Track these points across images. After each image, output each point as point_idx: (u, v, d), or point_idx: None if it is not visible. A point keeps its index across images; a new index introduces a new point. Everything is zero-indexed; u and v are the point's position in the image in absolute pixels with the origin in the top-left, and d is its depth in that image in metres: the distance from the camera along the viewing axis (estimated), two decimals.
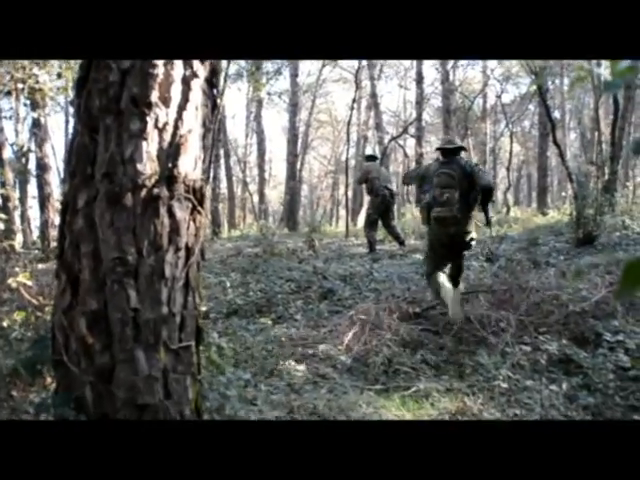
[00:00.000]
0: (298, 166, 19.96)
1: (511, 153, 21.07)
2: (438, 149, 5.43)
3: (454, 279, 5.22)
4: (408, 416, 3.12)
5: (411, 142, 29.52)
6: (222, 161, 19.76)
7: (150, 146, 1.58)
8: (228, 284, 7.61)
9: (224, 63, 11.05)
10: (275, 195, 36.19)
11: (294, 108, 17.02)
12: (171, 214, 1.54)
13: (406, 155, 27.47)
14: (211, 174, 16.54)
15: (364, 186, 10.65)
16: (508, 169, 21.47)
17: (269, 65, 16.72)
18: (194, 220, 1.62)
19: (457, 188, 4.84)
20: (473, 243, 5.25)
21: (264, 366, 4.14)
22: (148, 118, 1.60)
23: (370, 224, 9.92)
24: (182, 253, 1.58)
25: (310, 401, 3.29)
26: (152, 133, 1.60)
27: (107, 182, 1.52)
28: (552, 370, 3.72)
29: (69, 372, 1.60)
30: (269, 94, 17.12)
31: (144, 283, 1.48)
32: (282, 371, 4.03)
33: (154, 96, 1.61)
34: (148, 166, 1.54)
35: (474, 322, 4.64)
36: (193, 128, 1.67)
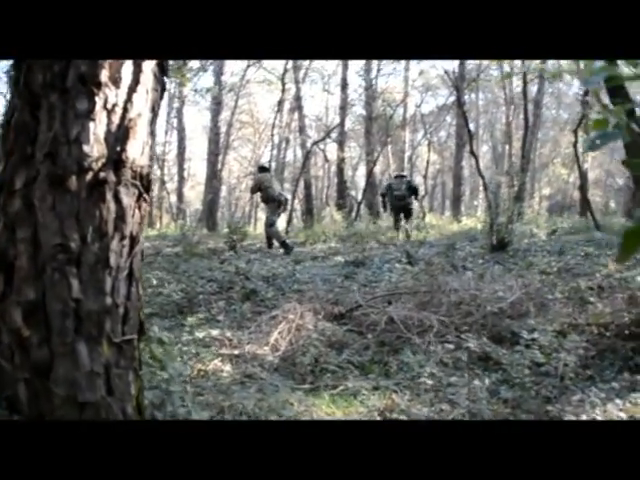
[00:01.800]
0: (219, 166, 19.66)
1: (428, 162, 21.84)
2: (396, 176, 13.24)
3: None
4: (339, 414, 3.14)
5: (332, 147, 29.92)
6: None
7: (98, 128, 1.49)
8: (146, 283, 7.38)
9: None
10: (193, 195, 35.49)
11: (217, 107, 16.76)
12: (117, 200, 1.45)
13: (326, 159, 27.77)
14: None
15: (258, 195, 11.42)
16: (425, 177, 22.21)
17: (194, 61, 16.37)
18: (139, 207, 1.54)
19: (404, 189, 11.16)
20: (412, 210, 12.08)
21: (187, 367, 4.03)
22: (97, 98, 1.51)
23: (270, 225, 10.68)
24: (127, 241, 1.48)
25: (239, 401, 3.24)
26: (100, 114, 1.51)
27: (49, 163, 1.41)
28: (473, 367, 3.87)
29: (0, 368, 1.46)
30: (195, 91, 16.76)
31: (87, 272, 1.37)
32: (208, 372, 3.95)
33: (104, 75, 1.53)
34: (95, 148, 1.44)
35: (398, 323, 4.75)
36: (142, 112, 1.59)
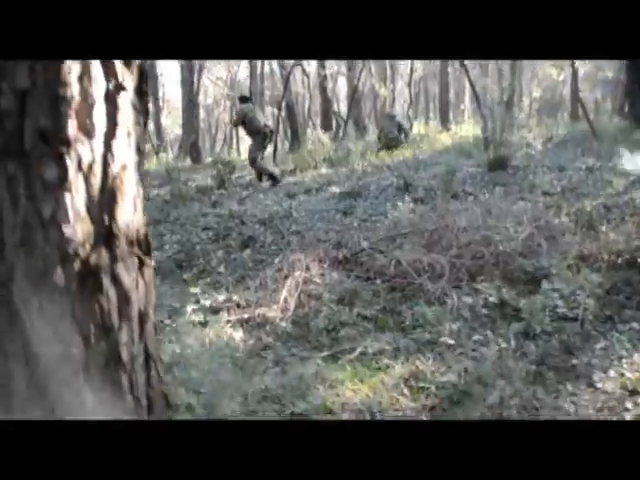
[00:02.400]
0: (194, 90, 18.82)
1: (412, 69, 21.01)
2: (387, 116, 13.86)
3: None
4: (365, 389, 3.04)
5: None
6: None
7: (75, 199, 1.16)
8: None
9: None
10: (170, 121, 34.33)
11: None
12: (117, 282, 1.17)
13: (305, 73, 26.72)
14: None
15: (241, 128, 11.03)
16: (409, 85, 21.45)
17: None
18: (143, 276, 1.26)
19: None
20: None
21: (199, 337, 3.92)
22: (67, 159, 1.16)
23: (253, 161, 10.27)
24: (135, 323, 1.21)
25: (260, 382, 3.13)
26: (76, 180, 1.17)
27: (23, 254, 1.12)
28: (492, 318, 3.77)
29: None
30: None
31: (98, 379, 1.13)
32: (221, 343, 3.83)
33: (71, 127, 1.17)
34: (78, 227, 1.14)
35: (406, 267, 4.61)
36: (127, 161, 1.26)
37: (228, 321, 4.22)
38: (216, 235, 6.80)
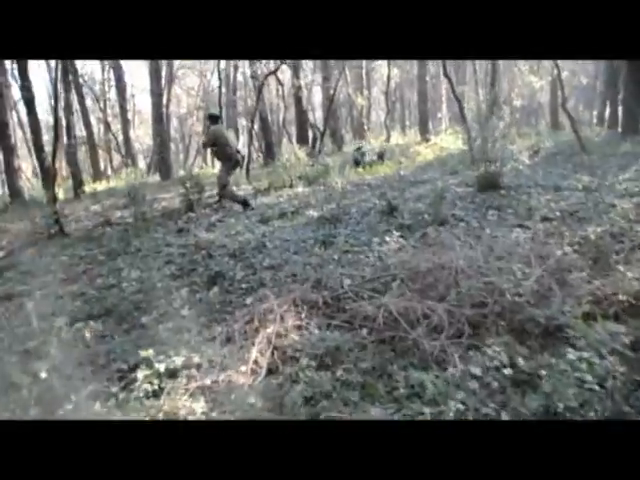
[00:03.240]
0: (164, 101, 18.04)
1: (389, 78, 20.49)
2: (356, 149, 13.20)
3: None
4: None
5: (284, 68, 28.02)
6: (75, 102, 17.41)
7: None
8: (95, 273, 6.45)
9: None
10: (143, 131, 33.40)
11: None
12: None
13: (280, 83, 26.06)
14: (62, 121, 14.42)
15: (210, 150, 10.25)
16: (386, 93, 20.96)
17: None
18: None
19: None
20: None
21: (150, 412, 3.22)
22: None
23: (223, 186, 9.39)
24: None
25: None
26: None
27: None
28: (503, 389, 3.13)
29: None
30: None
31: None
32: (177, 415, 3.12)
33: None
34: None
35: (397, 316, 3.96)
36: None
37: (186, 389, 3.53)
38: (180, 270, 6.10)
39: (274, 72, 13.47)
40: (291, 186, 10.38)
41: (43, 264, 7.23)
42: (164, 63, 20.72)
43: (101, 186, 15.91)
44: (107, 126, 24.63)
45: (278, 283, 5.30)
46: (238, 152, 9.52)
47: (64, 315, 5.35)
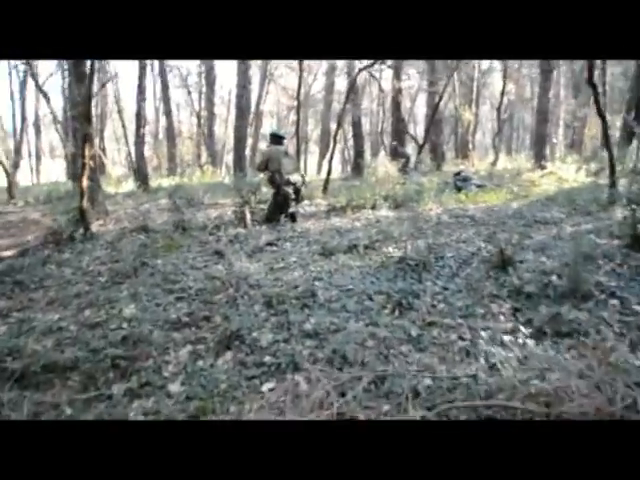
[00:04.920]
0: (254, 100, 16.56)
1: (503, 92, 17.94)
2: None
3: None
4: None
5: (388, 74, 26.04)
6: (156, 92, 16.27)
7: None
8: (84, 301, 4.77)
9: None
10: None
11: None
12: None
13: (381, 90, 24.09)
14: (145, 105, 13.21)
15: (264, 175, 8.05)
16: (498, 110, 18.42)
17: None
18: None
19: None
20: None
21: None
22: None
23: (269, 221, 7.63)
24: None
25: None
26: None
27: None
28: None
29: None
30: None
31: None
32: None
33: None
34: None
35: None
36: None
37: None
38: (190, 315, 4.28)
39: (367, 67, 11.53)
40: (373, 207, 8.37)
41: (41, 275, 5.68)
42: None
43: (172, 182, 14.58)
44: (198, 119, 23.66)
45: (319, 363, 3.39)
46: (292, 184, 7.65)
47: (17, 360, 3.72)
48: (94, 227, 7.98)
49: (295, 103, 28.97)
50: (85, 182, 6.79)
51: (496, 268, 4.75)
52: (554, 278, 4.34)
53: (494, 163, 16.61)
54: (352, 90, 11.69)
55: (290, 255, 5.75)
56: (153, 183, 14.83)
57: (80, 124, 6.93)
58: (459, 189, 9.82)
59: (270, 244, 6.27)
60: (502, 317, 3.91)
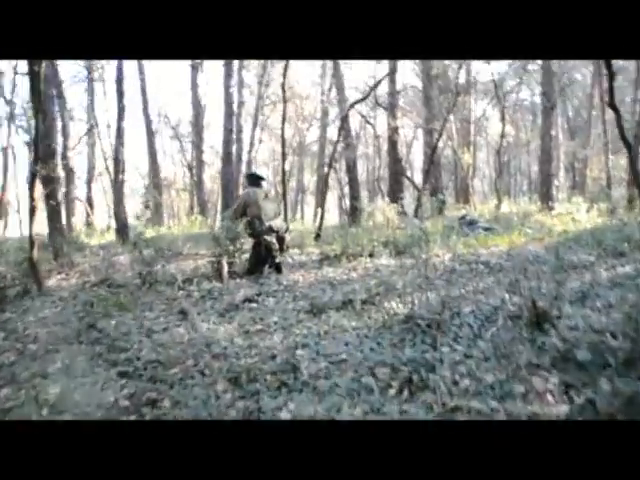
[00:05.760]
0: (234, 147, 15.74)
1: (503, 134, 17.22)
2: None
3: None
4: None
5: (382, 120, 25.50)
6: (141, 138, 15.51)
7: None
8: None
9: None
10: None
11: (227, 67, 12.81)
12: None
13: (376, 136, 23.50)
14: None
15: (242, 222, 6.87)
16: (499, 152, 17.67)
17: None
18: None
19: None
20: None
21: None
22: None
23: (250, 273, 6.56)
24: None
25: None
26: None
27: None
28: None
29: None
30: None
31: None
32: None
33: None
34: None
35: None
36: None
37: None
38: (131, 398, 3.22)
39: (357, 102, 10.74)
40: (372, 255, 7.37)
41: None
42: (251, 107, 18.68)
43: (155, 232, 13.59)
44: (190, 169, 22.93)
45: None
46: (274, 231, 6.64)
47: None
48: (52, 281, 6.97)
49: (288, 150, 28.45)
50: (33, 230, 5.80)
51: (529, 326, 3.72)
52: (609, 338, 3.31)
53: (498, 206, 15.74)
54: (343, 127, 10.85)
55: (271, 314, 4.71)
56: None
57: (34, 161, 5.97)
58: (465, 233, 8.87)
59: (249, 300, 5.23)
60: (550, 397, 2.86)
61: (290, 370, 3.33)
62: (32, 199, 5.81)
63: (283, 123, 10.08)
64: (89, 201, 19.94)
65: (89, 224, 18.49)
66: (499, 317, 4.06)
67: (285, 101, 10.22)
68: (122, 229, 11.39)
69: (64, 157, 16.01)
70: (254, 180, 6.97)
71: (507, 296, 4.54)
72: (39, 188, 7.87)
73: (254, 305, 5.09)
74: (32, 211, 5.83)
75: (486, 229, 9.12)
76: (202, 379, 3.32)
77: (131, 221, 14.09)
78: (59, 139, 13.98)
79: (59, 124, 14.59)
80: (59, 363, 3.86)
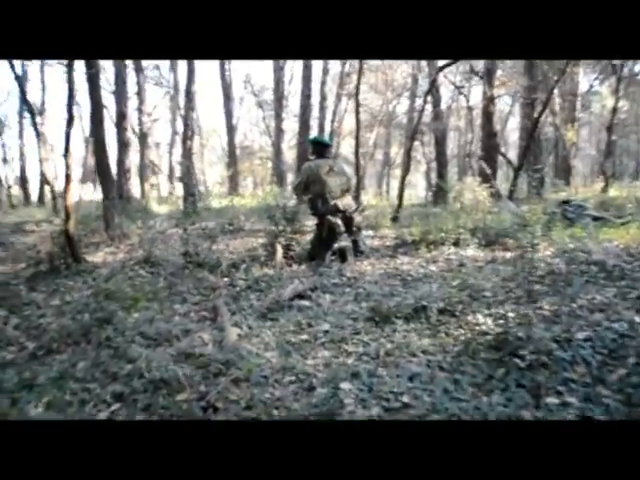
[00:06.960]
0: (317, 115, 14.78)
1: (615, 109, 15.18)
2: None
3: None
4: None
5: (476, 91, 23.64)
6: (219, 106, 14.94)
7: None
8: None
9: None
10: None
11: None
12: None
13: (469, 108, 21.78)
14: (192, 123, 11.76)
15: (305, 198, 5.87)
16: (609, 129, 15.65)
17: None
18: None
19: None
20: None
21: None
22: None
23: (312, 258, 5.62)
24: None
25: None
26: None
27: None
28: None
29: None
30: None
31: None
32: None
33: None
34: None
35: None
36: None
37: None
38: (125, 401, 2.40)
39: (447, 66, 9.45)
40: (456, 244, 6.25)
41: None
42: (336, 72, 17.64)
43: (229, 202, 12.98)
44: (270, 137, 22.26)
45: None
46: (340, 211, 5.61)
47: None
48: (98, 256, 6.38)
49: (374, 121, 27.15)
50: (70, 199, 5.16)
51: None
52: None
53: (604, 190, 13.90)
54: (431, 92, 9.61)
55: (323, 318, 3.78)
56: (214, 203, 13.31)
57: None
58: (571, 221, 7.52)
59: (300, 296, 4.32)
60: None
61: (326, 413, 2.40)
62: (67, 166, 5.17)
63: (357, 87, 9.04)
64: (170, 170, 19.77)
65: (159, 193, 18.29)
66: (629, 350, 2.92)
67: (361, 69, 9.17)
68: (189, 198, 10.81)
69: (140, 122, 15.71)
70: (319, 148, 5.90)
71: (637, 319, 3.36)
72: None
73: (305, 303, 4.17)
74: (67, 178, 5.19)
75: (595, 218, 7.71)
76: (208, 414, 2.46)
77: (203, 189, 13.57)
78: (134, 103, 13.60)
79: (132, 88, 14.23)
80: (54, 371, 3.13)
